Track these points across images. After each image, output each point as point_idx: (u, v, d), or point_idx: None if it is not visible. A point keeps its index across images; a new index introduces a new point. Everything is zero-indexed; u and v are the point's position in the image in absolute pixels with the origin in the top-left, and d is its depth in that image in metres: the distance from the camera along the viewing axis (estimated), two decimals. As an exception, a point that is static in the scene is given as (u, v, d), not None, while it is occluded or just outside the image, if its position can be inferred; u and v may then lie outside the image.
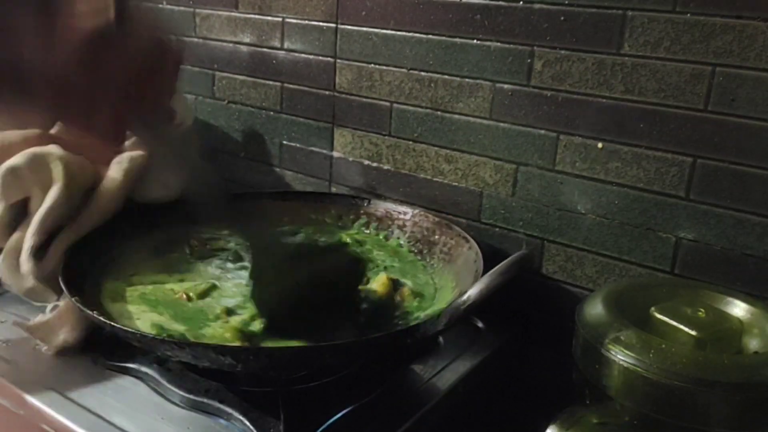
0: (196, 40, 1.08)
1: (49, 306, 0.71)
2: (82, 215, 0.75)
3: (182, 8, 1.09)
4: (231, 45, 1.04)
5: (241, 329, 0.64)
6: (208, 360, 0.57)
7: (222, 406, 0.61)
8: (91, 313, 0.60)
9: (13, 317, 0.76)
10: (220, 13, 1.05)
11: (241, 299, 0.70)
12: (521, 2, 0.77)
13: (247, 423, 0.59)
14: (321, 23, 0.94)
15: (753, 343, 0.59)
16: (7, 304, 0.79)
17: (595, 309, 0.61)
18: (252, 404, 0.61)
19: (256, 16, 1.00)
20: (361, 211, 0.89)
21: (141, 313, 0.67)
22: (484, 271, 0.63)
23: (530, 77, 0.78)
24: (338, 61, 0.94)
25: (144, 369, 0.66)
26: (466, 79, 0.83)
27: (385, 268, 0.79)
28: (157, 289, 0.73)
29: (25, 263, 0.70)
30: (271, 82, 1.01)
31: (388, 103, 0.90)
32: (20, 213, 0.75)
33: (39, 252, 0.71)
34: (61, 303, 0.69)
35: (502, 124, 0.81)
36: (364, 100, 0.92)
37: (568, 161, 0.77)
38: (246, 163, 1.08)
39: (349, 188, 0.97)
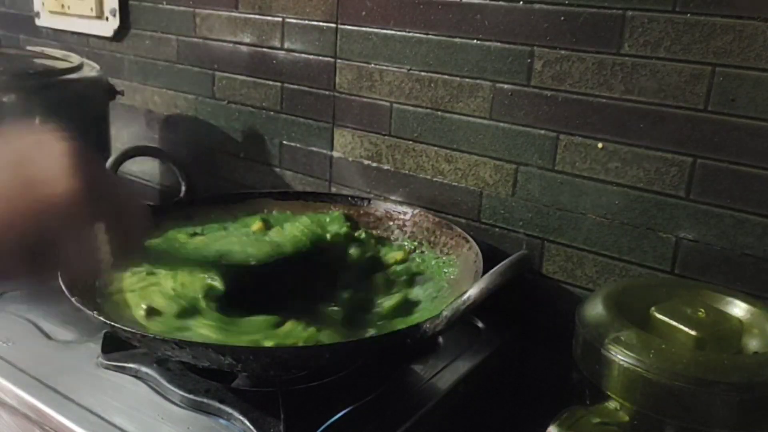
0: (196, 40, 1.08)
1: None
2: None
3: (182, 8, 1.09)
4: (231, 45, 1.04)
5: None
6: (208, 360, 0.57)
7: (222, 406, 0.61)
8: (91, 312, 0.60)
9: (14, 317, 0.77)
10: (220, 13, 1.05)
11: None
12: (521, 2, 0.77)
13: (247, 423, 0.59)
14: (321, 23, 0.94)
15: (753, 343, 0.59)
16: (8, 303, 0.79)
17: (595, 309, 0.61)
18: (252, 404, 0.61)
19: (256, 16, 1.00)
20: (361, 211, 0.89)
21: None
22: (484, 271, 0.63)
23: (530, 77, 0.78)
24: (338, 61, 0.94)
25: (144, 369, 0.66)
26: (466, 79, 0.83)
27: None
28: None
29: None
30: (271, 82, 1.01)
31: (388, 103, 0.90)
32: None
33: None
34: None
35: (502, 124, 0.81)
36: (364, 100, 0.92)
37: (568, 161, 0.77)
38: (246, 163, 1.08)
39: (349, 188, 0.97)
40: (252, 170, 1.07)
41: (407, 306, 0.71)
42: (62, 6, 1.24)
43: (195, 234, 0.82)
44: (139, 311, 0.65)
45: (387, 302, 0.71)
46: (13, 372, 0.67)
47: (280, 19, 0.98)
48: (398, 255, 0.81)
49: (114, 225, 0.50)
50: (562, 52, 0.75)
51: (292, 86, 0.99)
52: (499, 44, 0.80)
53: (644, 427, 0.55)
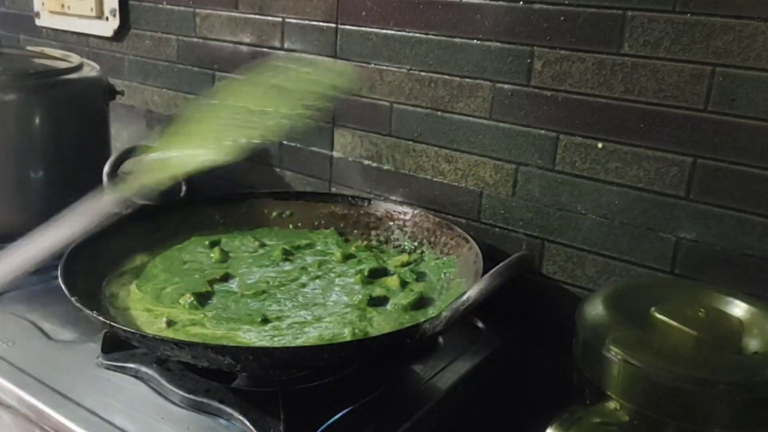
0: (196, 40, 1.08)
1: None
2: None
3: (182, 8, 1.09)
4: (231, 45, 1.04)
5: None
6: (208, 360, 0.57)
7: (222, 406, 0.61)
8: (90, 312, 0.60)
9: (14, 317, 0.77)
10: (220, 13, 1.04)
11: None
12: (521, 2, 0.77)
13: (247, 423, 0.59)
14: (321, 23, 0.94)
15: (753, 343, 0.59)
16: (8, 303, 0.79)
17: (595, 309, 0.61)
18: (252, 404, 0.61)
19: (256, 16, 1.00)
20: (361, 211, 0.89)
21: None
22: (484, 271, 0.63)
23: (530, 77, 0.78)
24: (338, 61, 0.94)
25: (144, 369, 0.66)
26: (466, 79, 0.83)
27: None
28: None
29: None
30: (271, 82, 1.01)
31: (388, 103, 0.90)
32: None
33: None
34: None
35: (502, 124, 0.81)
36: (364, 100, 0.92)
37: (568, 161, 0.77)
38: (246, 163, 1.08)
39: (350, 188, 0.97)
40: (252, 170, 1.07)
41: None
42: (62, 6, 1.24)
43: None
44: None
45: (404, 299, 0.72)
46: (13, 372, 0.67)
47: (280, 19, 0.98)
48: (404, 258, 0.82)
49: None
50: (562, 52, 0.75)
51: (292, 86, 0.99)
52: (499, 44, 0.80)
53: (644, 427, 0.55)
